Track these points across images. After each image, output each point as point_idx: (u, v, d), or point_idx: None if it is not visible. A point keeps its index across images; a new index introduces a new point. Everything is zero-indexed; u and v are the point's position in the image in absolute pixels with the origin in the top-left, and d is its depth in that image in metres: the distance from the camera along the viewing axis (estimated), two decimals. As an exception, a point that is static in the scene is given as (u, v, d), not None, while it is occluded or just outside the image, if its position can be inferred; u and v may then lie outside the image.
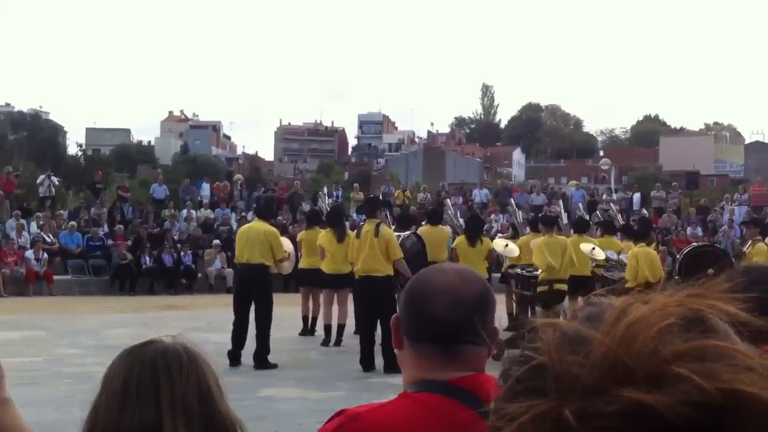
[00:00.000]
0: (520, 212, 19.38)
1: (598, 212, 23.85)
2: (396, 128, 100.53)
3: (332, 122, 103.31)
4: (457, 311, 1.65)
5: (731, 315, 0.68)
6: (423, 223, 15.42)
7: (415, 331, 1.71)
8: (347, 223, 15.14)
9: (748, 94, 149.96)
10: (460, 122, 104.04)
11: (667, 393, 0.60)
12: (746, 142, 78.21)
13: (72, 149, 67.63)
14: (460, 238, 12.51)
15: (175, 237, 22.58)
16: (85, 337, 12.78)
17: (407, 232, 12.35)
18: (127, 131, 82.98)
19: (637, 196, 28.44)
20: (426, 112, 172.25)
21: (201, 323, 14.13)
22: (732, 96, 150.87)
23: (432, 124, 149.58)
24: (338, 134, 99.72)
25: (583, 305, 0.72)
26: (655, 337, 0.63)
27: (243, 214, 24.59)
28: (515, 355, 0.72)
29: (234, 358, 10.14)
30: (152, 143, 76.21)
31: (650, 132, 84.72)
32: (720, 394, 0.60)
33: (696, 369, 0.61)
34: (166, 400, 1.70)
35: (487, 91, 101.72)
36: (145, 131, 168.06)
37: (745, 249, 13.49)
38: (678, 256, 14.25)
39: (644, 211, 26.48)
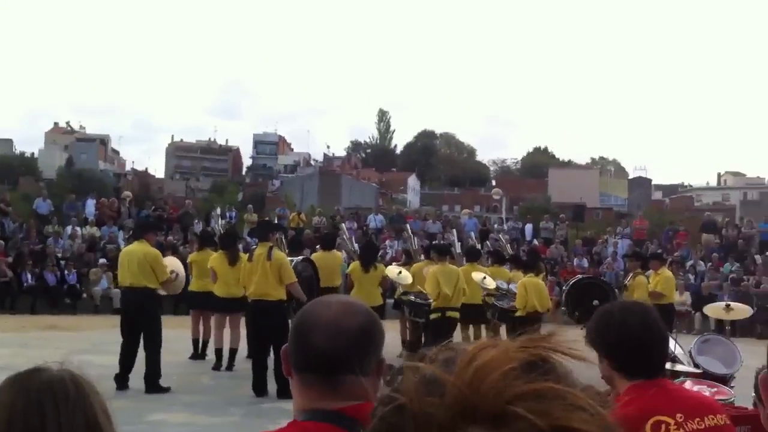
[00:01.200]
0: (416, 238, 19.60)
1: (488, 242, 24.37)
2: (292, 149, 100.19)
3: (227, 141, 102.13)
4: (337, 342, 1.69)
5: (571, 355, 0.77)
6: (317, 247, 15.41)
7: (299, 362, 1.75)
8: (240, 246, 14.97)
9: (632, 131, 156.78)
10: (356, 146, 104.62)
11: (508, 430, 0.67)
12: (630, 177, 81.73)
13: (-50, 159, 64.39)
14: (355, 264, 12.58)
15: (59, 254, 21.80)
16: (-39, 357, 12.12)
17: (300, 257, 12.29)
18: (9, 141, 79.64)
19: (528, 227, 29.24)
20: (322, 134, 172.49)
21: (86, 345, 13.66)
22: (616, 132, 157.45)
23: (328, 146, 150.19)
24: (232, 153, 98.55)
25: (442, 350, 0.79)
26: (499, 379, 0.70)
27: (131, 232, 23.95)
28: (381, 396, 0.78)
29: (121, 381, 9.86)
30: (36, 155, 73.36)
31: (539, 164, 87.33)
32: (553, 431, 0.67)
33: (533, 408, 0.68)
34: None
35: (383, 116, 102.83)
36: (29, 142, 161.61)
37: (626, 281, 14.00)
38: (564, 287, 14.68)
39: (535, 241, 27.24)
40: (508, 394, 0.69)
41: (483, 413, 0.68)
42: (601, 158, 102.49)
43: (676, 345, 7.28)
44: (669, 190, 78.19)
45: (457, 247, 17.62)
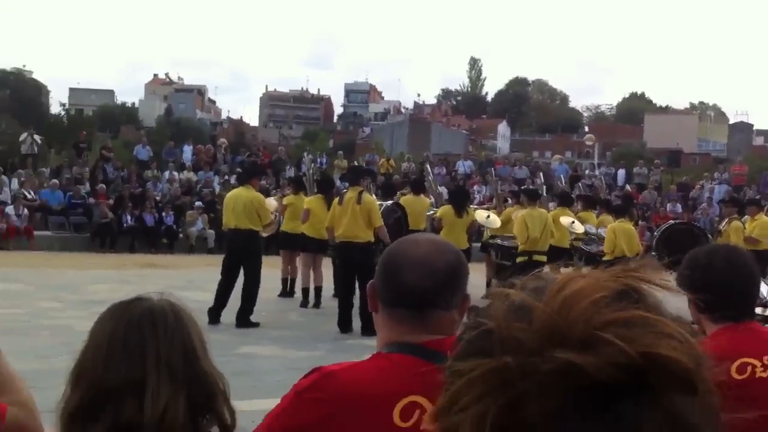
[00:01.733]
0: (499, 182, 19.48)
1: (580, 185, 23.99)
2: (383, 98, 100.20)
3: (318, 90, 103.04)
4: (428, 280, 1.75)
5: (662, 286, 0.77)
6: (403, 191, 15.52)
7: (388, 297, 1.80)
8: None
9: (733, 75, 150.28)
10: (446, 94, 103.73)
11: (595, 355, 0.68)
12: (730, 123, 78.62)
13: (55, 108, 67.09)
14: (447, 208, 12.61)
15: (157, 198, 22.53)
16: (65, 291, 12.81)
17: (389, 202, 12.43)
18: (111, 92, 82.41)
19: (621, 172, 28.60)
20: (413, 83, 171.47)
21: (181, 282, 14.15)
22: (718, 76, 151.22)
23: (418, 95, 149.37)
24: (324, 102, 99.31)
25: (532, 279, 0.79)
26: (589, 307, 0.71)
27: (226, 177, 24.55)
28: (469, 321, 0.80)
29: (215, 316, 10.24)
30: (136, 105, 75.61)
31: (636, 110, 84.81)
32: (641, 356, 0.68)
33: (621, 335, 0.69)
34: (151, 357, 1.74)
35: (474, 64, 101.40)
36: (130, 93, 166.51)
37: (721, 227, 13.65)
38: (656, 233, 14.40)
39: (628, 186, 26.67)
40: (597, 321, 0.70)
41: (571, 339, 0.69)
42: (701, 103, 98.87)
43: (769, 290, 7.10)
44: (772, 135, 74.91)
45: (544, 191, 17.39)
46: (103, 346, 1.76)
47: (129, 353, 1.74)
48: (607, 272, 0.76)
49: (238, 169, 20.14)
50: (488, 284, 13.96)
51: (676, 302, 2.44)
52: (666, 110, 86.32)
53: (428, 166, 21.45)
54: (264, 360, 8.64)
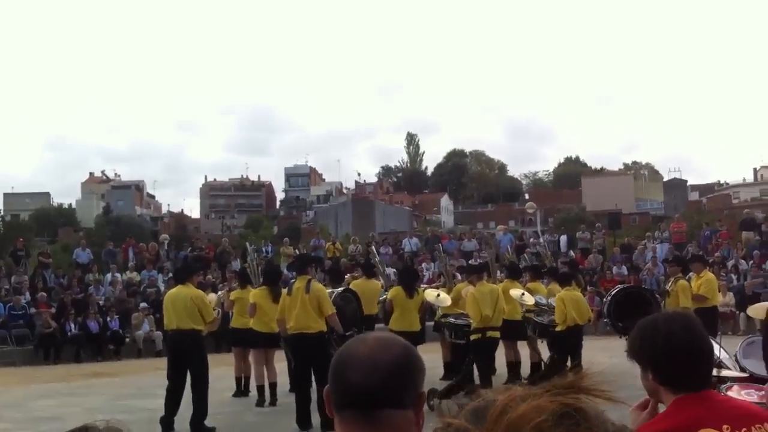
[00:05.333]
0: (448, 258, 19.52)
1: (525, 255, 24.21)
2: (323, 180, 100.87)
3: (258, 176, 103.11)
4: (373, 377, 1.69)
5: (602, 398, 0.77)
6: (354, 274, 15.43)
7: (338, 400, 1.74)
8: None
9: (664, 133, 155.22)
10: (387, 171, 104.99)
11: None
12: (665, 180, 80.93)
13: (-10, 215, 65.68)
14: (397, 289, 12.53)
15: (100, 302, 22.06)
16: (11, 410, 12.33)
17: (340, 289, 12.31)
18: (47, 195, 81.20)
19: (564, 238, 29.02)
20: (352, 162, 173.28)
21: (131, 390, 13.77)
22: (649, 135, 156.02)
23: (359, 173, 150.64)
24: (265, 188, 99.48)
25: (471, 400, 0.79)
26: None
27: (170, 275, 24.21)
28: None
29: (167, 425, 9.91)
30: (73, 206, 74.65)
31: (572, 174, 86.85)
32: None
33: None
34: None
35: (412, 139, 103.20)
36: (66, 194, 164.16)
37: (668, 287, 13.81)
38: (606, 298, 14.52)
39: (571, 252, 27.03)
40: None
41: None
42: (635, 163, 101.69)
43: (721, 349, 7.14)
44: (706, 189, 77.28)
45: (493, 263, 17.47)
46: None
47: None
48: (546, 391, 0.75)
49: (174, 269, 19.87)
50: (445, 365, 13.84)
51: (631, 368, 2.38)
52: (601, 172, 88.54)
53: (373, 248, 21.44)
54: (223, 468, 8.33)
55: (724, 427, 2.28)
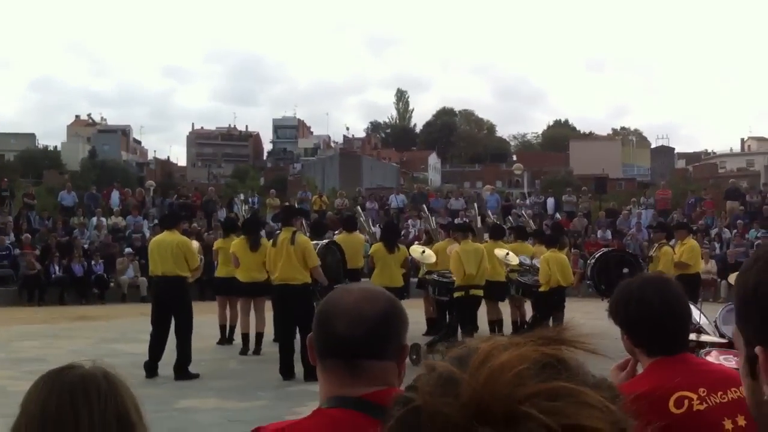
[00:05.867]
0: (433, 218, 19.55)
1: (510, 217, 24.31)
2: (312, 133, 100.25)
3: (246, 127, 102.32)
4: (358, 328, 1.72)
5: (584, 350, 0.79)
6: (338, 231, 15.45)
7: (321, 348, 1.77)
8: (264, 230, 15.03)
9: (654, 100, 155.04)
10: (375, 127, 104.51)
11: (518, 431, 0.69)
12: (652, 147, 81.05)
13: (-26, 155, 65.08)
14: (378, 245, 12.57)
15: (85, 246, 22.02)
16: (-7, 350, 12.34)
17: (324, 241, 12.34)
18: (32, 136, 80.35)
19: (551, 201, 29.10)
20: (341, 116, 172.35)
21: (115, 334, 13.82)
22: (639, 101, 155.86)
23: (347, 128, 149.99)
24: (253, 139, 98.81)
25: (456, 347, 0.81)
26: (513, 380, 0.72)
27: (155, 221, 24.16)
28: (397, 396, 0.81)
29: (150, 369, 9.96)
30: (59, 148, 73.94)
31: (561, 137, 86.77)
32: (563, 429, 0.69)
33: (544, 408, 0.70)
34: (84, 426, 1.70)
35: (402, 95, 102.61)
36: (51, 136, 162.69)
37: (652, 253, 13.93)
38: (589, 261, 14.63)
39: (558, 215, 27.13)
40: (520, 395, 0.71)
41: (496, 414, 0.70)
42: (623, 129, 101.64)
43: (701, 315, 7.25)
44: (692, 158, 77.45)
45: (478, 223, 17.55)
46: (36, 417, 1.72)
47: (62, 423, 1.70)
48: (529, 341, 0.77)
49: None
50: (428, 321, 13.96)
51: (610, 328, 2.42)
52: (590, 137, 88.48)
53: (359, 208, 21.40)
54: (205, 413, 8.41)
55: (701, 390, 2.30)
